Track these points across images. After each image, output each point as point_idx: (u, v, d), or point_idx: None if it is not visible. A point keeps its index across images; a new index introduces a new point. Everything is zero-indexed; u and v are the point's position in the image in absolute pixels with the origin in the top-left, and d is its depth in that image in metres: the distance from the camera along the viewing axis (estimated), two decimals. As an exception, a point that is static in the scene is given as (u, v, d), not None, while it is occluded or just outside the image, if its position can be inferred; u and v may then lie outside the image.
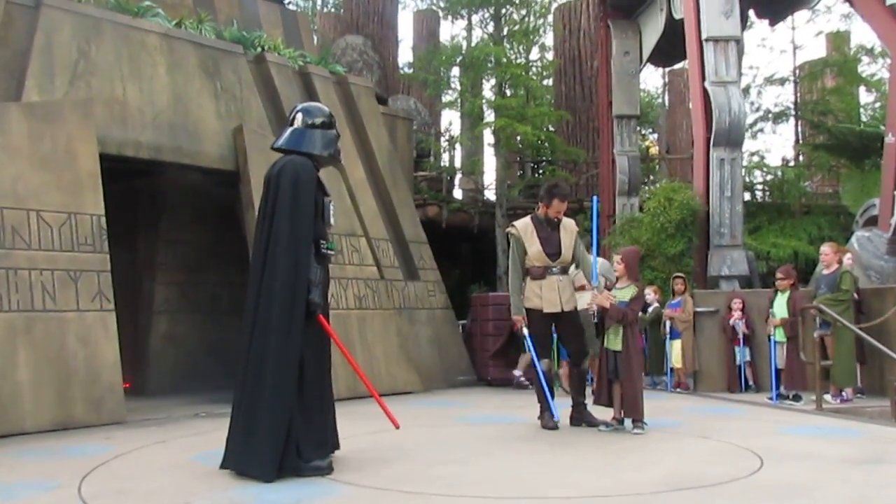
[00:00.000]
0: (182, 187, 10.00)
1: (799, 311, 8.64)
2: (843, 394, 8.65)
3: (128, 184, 9.69)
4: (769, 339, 9.00)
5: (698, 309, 10.13)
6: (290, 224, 4.89)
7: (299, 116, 5.26)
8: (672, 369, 10.20)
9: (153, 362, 10.25)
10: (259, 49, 10.49)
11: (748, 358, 9.82)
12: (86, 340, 7.30)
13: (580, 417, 6.89)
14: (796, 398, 8.57)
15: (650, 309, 10.37)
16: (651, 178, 22.11)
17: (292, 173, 4.97)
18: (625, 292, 6.67)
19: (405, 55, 27.43)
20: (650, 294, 10.39)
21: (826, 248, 9.11)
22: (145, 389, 9.82)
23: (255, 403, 4.81)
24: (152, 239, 10.59)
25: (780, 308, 8.87)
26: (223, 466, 4.94)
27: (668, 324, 10.19)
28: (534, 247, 6.82)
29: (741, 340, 9.71)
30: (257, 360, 4.84)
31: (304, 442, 4.84)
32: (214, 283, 10.86)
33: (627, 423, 6.61)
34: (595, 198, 7.37)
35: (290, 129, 5.25)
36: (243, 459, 4.82)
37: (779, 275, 9.11)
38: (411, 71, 21.34)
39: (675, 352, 10.10)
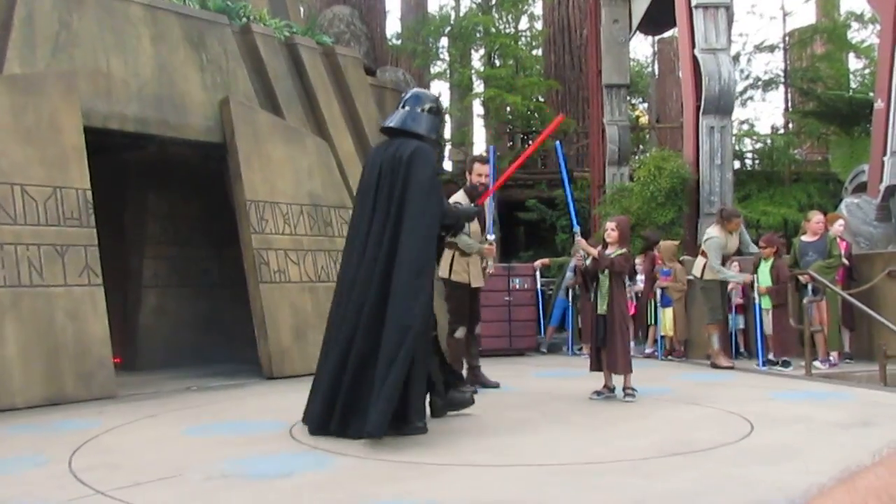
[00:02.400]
0: (169, 160, 9.90)
1: (787, 278, 8.65)
2: (831, 357, 8.70)
3: (114, 157, 9.58)
4: (754, 307, 9.04)
5: (690, 277, 10.12)
6: (429, 203, 5.19)
7: (413, 100, 5.60)
8: (663, 337, 10.22)
9: (143, 337, 10.21)
10: (244, 20, 10.34)
11: (741, 325, 9.84)
12: (74, 315, 7.25)
13: (474, 380, 7.10)
14: (785, 364, 8.61)
15: (638, 280, 10.42)
16: (641, 147, 22.03)
17: (428, 158, 5.32)
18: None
19: (393, 26, 27.13)
20: (637, 264, 10.41)
21: (820, 217, 9.13)
22: (135, 364, 9.79)
23: (366, 368, 4.98)
24: (140, 213, 10.50)
25: (764, 276, 8.85)
26: (315, 432, 5.09)
27: (658, 292, 10.19)
28: (472, 224, 6.93)
29: (734, 308, 9.71)
30: (372, 327, 5.02)
31: (412, 405, 5.04)
32: (204, 256, 10.79)
33: (618, 391, 6.63)
34: (558, 142, 7.42)
35: (404, 112, 5.53)
36: (351, 419, 4.98)
37: (762, 243, 9.09)
38: (399, 42, 21.12)
39: (666, 319, 10.11)
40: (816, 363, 8.48)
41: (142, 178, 10.42)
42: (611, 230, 6.81)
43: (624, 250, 6.71)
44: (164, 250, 10.55)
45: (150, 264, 10.42)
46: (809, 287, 8.64)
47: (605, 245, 6.90)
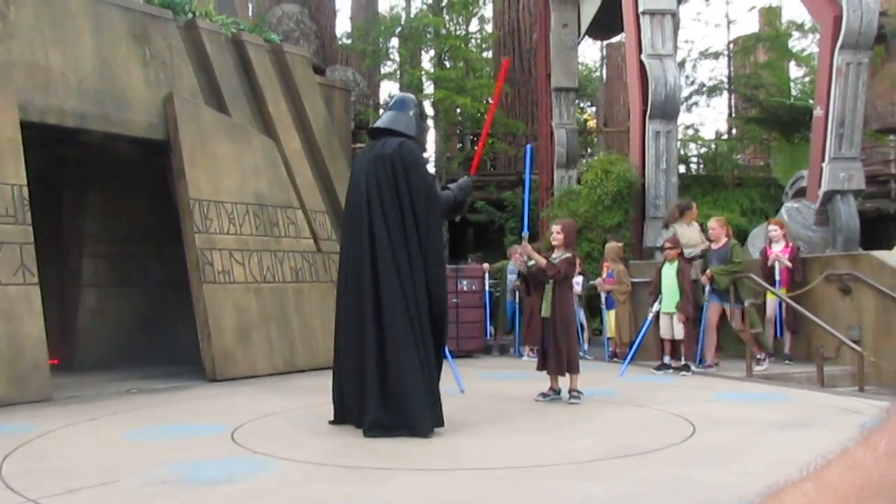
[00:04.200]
0: (110, 157, 9.67)
1: (691, 283, 8.72)
2: (708, 360, 8.76)
3: (52, 153, 9.33)
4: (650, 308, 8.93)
5: (634, 279, 10.24)
6: (431, 197, 5.44)
7: (399, 104, 5.81)
8: (609, 339, 10.32)
9: (82, 337, 9.96)
10: (190, 15, 10.15)
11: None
12: (8, 316, 7.02)
13: None
14: (686, 368, 8.62)
15: (576, 281, 10.46)
16: (589, 150, 22.28)
17: (416, 154, 5.50)
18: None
19: (343, 25, 27.02)
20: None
21: (713, 223, 9.22)
22: (74, 365, 9.53)
23: (400, 360, 5.14)
24: (80, 210, 10.24)
25: (669, 279, 8.80)
26: (363, 428, 5.14)
27: (602, 295, 10.28)
28: None
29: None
30: (396, 320, 5.14)
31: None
32: (146, 255, 10.57)
33: (564, 393, 6.67)
34: (529, 146, 7.41)
35: (390, 114, 5.71)
36: (395, 417, 5.11)
37: (666, 244, 9.09)
38: (349, 41, 21.01)
39: (611, 321, 10.20)
40: (758, 367, 8.59)
41: (81, 174, 10.16)
42: (556, 233, 6.85)
43: (569, 254, 6.75)
44: (104, 249, 10.30)
45: (89, 263, 10.17)
46: (707, 289, 8.78)
47: (551, 248, 6.93)
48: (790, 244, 9.41)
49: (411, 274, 5.23)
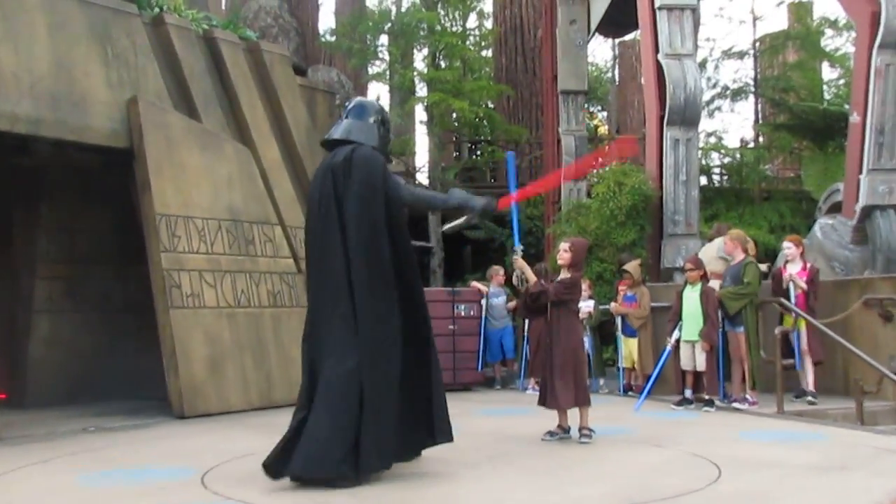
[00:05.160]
0: (67, 167, 9.68)
1: (716, 308, 8.60)
2: (747, 397, 8.64)
3: (1, 162, 9.33)
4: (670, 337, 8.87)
5: (653, 304, 10.24)
6: (368, 211, 5.28)
7: (357, 110, 5.67)
8: (624, 369, 10.31)
9: (33, 370, 9.91)
10: (156, 10, 10.20)
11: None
12: (-49, 345, 7.01)
13: None
14: (709, 403, 8.57)
15: (582, 305, 10.42)
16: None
17: (369, 158, 5.37)
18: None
19: (327, 21, 27.20)
20: (584, 290, 10.48)
21: (725, 238, 9.23)
22: (24, 401, 9.49)
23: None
24: (31, 227, 10.23)
25: (692, 303, 8.76)
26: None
27: (619, 320, 10.27)
28: None
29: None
30: (383, 342, 5.16)
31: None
32: (105, 277, 10.55)
33: (574, 431, 6.65)
34: (510, 153, 7.47)
35: (348, 122, 5.60)
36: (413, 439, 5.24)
37: (687, 265, 9.05)
38: (333, 39, 21.11)
39: (629, 350, 10.17)
40: (735, 403, 8.55)
41: (34, 186, 10.16)
42: (563, 251, 6.83)
43: (569, 275, 6.73)
44: (60, 270, 10.28)
45: (42, 286, 10.14)
46: (719, 314, 8.70)
47: (559, 268, 6.94)
48: (808, 264, 9.24)
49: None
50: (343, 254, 5.24)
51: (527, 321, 10.97)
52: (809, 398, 8.82)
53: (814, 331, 8.72)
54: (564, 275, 6.77)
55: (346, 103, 5.94)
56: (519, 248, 6.70)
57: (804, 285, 8.92)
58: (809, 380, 8.96)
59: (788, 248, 9.26)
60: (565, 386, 6.51)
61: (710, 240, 10.32)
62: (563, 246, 6.92)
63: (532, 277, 6.71)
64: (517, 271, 6.79)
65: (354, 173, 5.30)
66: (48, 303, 10.19)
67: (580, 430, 6.59)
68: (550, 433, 6.69)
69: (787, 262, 9.25)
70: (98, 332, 10.37)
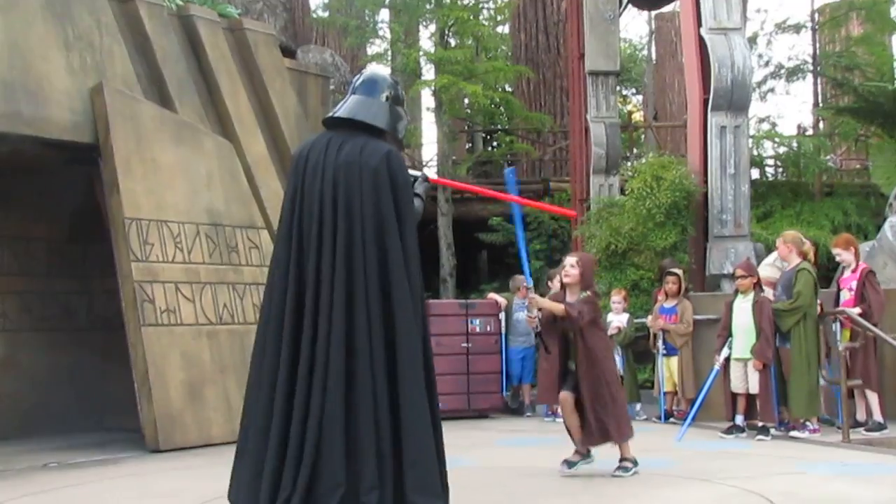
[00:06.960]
0: (22, 165, 9.74)
1: (771, 320, 8.59)
2: (808, 424, 8.62)
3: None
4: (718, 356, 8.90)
5: (697, 317, 10.22)
6: (411, 223, 5.07)
7: (368, 85, 5.29)
8: (665, 394, 10.29)
9: (-14, 398, 9.99)
10: (124, -16, 10.29)
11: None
12: None
13: None
14: (764, 431, 8.59)
15: (614, 319, 10.40)
16: (635, 151, 22.36)
17: (405, 169, 5.14)
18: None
19: (319, -6, 27.25)
20: (618, 302, 10.47)
21: (778, 240, 9.25)
22: (-24, 433, 9.56)
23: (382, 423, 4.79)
24: (-19, 234, 10.31)
25: (744, 314, 8.76)
26: None
27: (660, 336, 10.22)
28: None
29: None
30: (374, 356, 4.82)
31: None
32: (68, 291, 10.62)
33: (597, 461, 6.63)
34: (511, 169, 7.35)
35: (356, 99, 5.20)
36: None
37: (738, 271, 9.05)
38: (327, 14, 21.19)
39: (669, 372, 10.16)
40: (794, 432, 8.55)
41: (-15, 188, 10.24)
42: (570, 267, 6.76)
43: (587, 293, 6.72)
44: (14, 283, 10.35)
45: (-5, 302, 10.23)
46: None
47: (562, 286, 6.90)
48: (861, 265, 9.19)
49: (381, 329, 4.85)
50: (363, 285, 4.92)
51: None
52: (864, 430, 8.74)
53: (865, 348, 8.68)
54: (572, 296, 6.73)
55: (355, 77, 5.64)
56: (529, 283, 6.59)
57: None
58: (874, 405, 8.89)
59: (838, 254, 9.28)
60: (606, 420, 6.49)
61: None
62: (570, 261, 6.85)
63: (553, 305, 6.63)
64: (532, 310, 6.71)
65: (399, 194, 5.00)
66: (2, 321, 10.24)
67: (620, 461, 6.58)
68: (567, 462, 6.67)
69: (844, 269, 9.29)
70: (60, 355, 10.40)
